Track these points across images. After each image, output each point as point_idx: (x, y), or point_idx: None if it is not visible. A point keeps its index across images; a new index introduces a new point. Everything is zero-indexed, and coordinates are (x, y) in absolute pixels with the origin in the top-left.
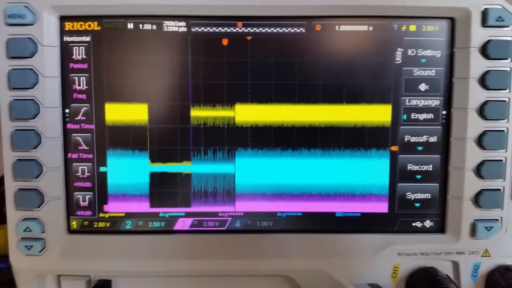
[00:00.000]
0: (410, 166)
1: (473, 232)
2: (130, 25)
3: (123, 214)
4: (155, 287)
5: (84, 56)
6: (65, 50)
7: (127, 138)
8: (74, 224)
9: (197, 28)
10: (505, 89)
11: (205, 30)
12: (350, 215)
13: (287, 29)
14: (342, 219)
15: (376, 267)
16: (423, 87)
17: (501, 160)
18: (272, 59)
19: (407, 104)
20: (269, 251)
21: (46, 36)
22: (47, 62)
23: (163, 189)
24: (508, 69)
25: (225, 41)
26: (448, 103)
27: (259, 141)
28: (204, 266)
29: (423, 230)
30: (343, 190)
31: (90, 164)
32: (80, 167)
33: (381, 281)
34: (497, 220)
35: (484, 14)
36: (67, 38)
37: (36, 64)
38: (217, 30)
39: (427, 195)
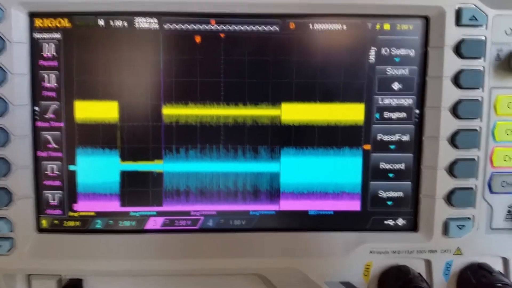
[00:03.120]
0: (383, 164)
1: (445, 230)
2: (101, 22)
3: (93, 213)
4: (126, 287)
5: (54, 53)
6: (35, 47)
7: (97, 136)
8: (44, 223)
9: (169, 25)
10: (478, 88)
11: (177, 27)
12: (323, 213)
13: (260, 26)
14: (315, 217)
15: (348, 265)
16: (396, 86)
17: (474, 159)
18: (246, 57)
19: (380, 102)
20: (242, 250)
21: (14, 32)
22: (16, 59)
23: (134, 188)
24: (482, 68)
25: (197, 38)
26: (421, 102)
27: (230, 140)
28: (176, 266)
29: (396, 228)
30: (316, 189)
31: (60, 162)
32: (49, 166)
33: (353, 279)
34: (469, 218)
35: (458, 13)
36: (36, 35)
37: (4, 61)
38: (189, 27)
39: (399, 194)
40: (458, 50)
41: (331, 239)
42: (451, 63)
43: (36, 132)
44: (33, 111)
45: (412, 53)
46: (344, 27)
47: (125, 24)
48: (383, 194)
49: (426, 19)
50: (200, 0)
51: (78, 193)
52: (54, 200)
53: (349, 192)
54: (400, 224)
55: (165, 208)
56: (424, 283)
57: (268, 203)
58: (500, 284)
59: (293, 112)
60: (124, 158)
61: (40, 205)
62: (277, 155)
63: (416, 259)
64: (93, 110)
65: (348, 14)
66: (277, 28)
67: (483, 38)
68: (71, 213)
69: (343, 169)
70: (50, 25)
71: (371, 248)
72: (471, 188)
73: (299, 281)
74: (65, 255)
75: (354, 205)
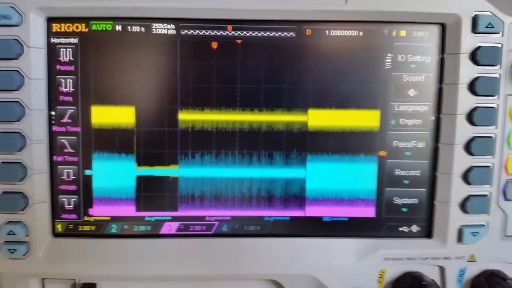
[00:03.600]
0: (398, 171)
1: (459, 237)
2: (118, 27)
3: (109, 218)
4: None
5: (71, 58)
6: (52, 52)
7: (113, 141)
8: (59, 227)
9: (186, 31)
10: (494, 96)
11: (195, 33)
12: (337, 220)
13: (277, 33)
14: (330, 223)
15: (362, 271)
16: (412, 92)
17: (489, 166)
18: (262, 63)
19: (396, 109)
20: (256, 255)
21: (32, 37)
22: (33, 64)
23: (150, 193)
24: (497, 75)
25: (214, 45)
26: (437, 108)
27: (246, 145)
28: (191, 271)
29: (410, 235)
30: (331, 195)
31: (76, 167)
32: (65, 170)
33: (367, 285)
34: (483, 225)
35: (474, 20)
36: (54, 40)
37: (22, 66)
38: (206, 33)
39: (414, 200)
40: (474, 57)
41: (345, 246)
42: (467, 70)
43: (52, 136)
44: (50, 115)
45: (428, 60)
46: (360, 33)
47: (142, 29)
48: (398, 200)
49: (443, 26)
50: (217, 6)
51: (94, 198)
52: (69, 204)
53: (364, 198)
54: (414, 230)
55: (180, 213)
56: None
57: (282, 209)
58: None
59: (309, 118)
60: (140, 163)
61: (56, 210)
62: (292, 161)
63: (430, 266)
64: (109, 115)
65: (364, 20)
66: (293, 34)
67: (500, 45)
68: (86, 218)
69: (358, 176)
70: (67, 30)
71: (386, 255)
72: (486, 195)
73: (312, 287)
74: (80, 260)
75: (369, 212)
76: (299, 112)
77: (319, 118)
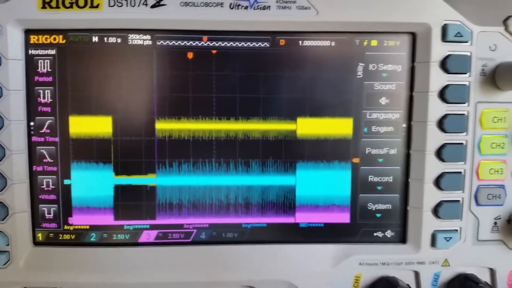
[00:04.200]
0: (371, 177)
1: (433, 242)
2: (95, 38)
3: (88, 227)
4: None
5: (49, 69)
6: (30, 63)
7: (91, 150)
8: (39, 236)
9: (162, 42)
10: (464, 103)
11: (170, 43)
12: (313, 226)
13: (251, 43)
14: (306, 229)
15: (338, 276)
16: (383, 100)
17: (460, 172)
18: (237, 73)
19: (368, 117)
20: (234, 262)
21: (10, 49)
22: (12, 76)
23: (128, 201)
24: (467, 83)
25: (190, 55)
26: (408, 116)
27: (222, 154)
28: (169, 278)
29: (384, 240)
30: (306, 201)
31: (55, 176)
32: (44, 180)
33: None
34: (456, 230)
35: (444, 29)
36: (32, 51)
37: (0, 77)
38: (182, 44)
39: (387, 206)
40: (444, 65)
41: (321, 251)
42: (437, 78)
43: (31, 147)
44: (29, 126)
45: (399, 68)
46: (333, 43)
47: (119, 40)
48: (372, 206)
49: (413, 35)
50: (192, 18)
51: (73, 207)
52: (49, 213)
53: (339, 204)
54: (388, 236)
55: (158, 221)
56: None
57: (259, 216)
58: None
59: (284, 127)
60: (117, 172)
61: (36, 219)
62: (269, 169)
63: (405, 271)
64: (87, 125)
65: (337, 31)
66: (267, 45)
67: (469, 53)
68: (66, 227)
69: (333, 182)
70: (45, 41)
71: (361, 260)
72: (458, 201)
73: None
74: (61, 268)
75: (344, 218)
76: (274, 120)
77: (294, 127)
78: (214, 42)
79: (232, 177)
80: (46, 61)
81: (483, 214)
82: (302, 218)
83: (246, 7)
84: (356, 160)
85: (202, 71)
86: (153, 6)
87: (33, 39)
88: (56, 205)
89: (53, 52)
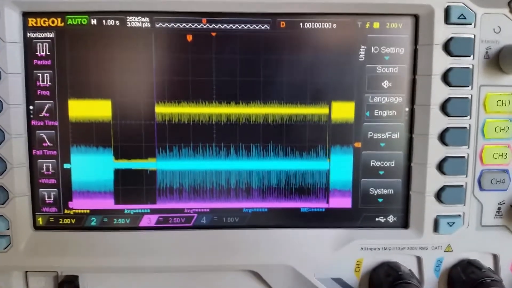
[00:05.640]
0: (373, 162)
1: (436, 227)
2: (94, 21)
3: (88, 211)
4: (122, 283)
5: (47, 53)
6: (29, 47)
7: (91, 134)
8: (40, 220)
9: (161, 24)
10: (468, 86)
11: (169, 26)
12: (314, 211)
13: (251, 25)
14: (307, 214)
15: (339, 261)
16: (386, 84)
17: (463, 157)
18: (237, 56)
19: (370, 101)
20: (234, 246)
21: (8, 32)
22: (10, 59)
23: (128, 186)
24: (471, 66)
25: (189, 37)
26: (411, 100)
27: (224, 138)
28: (170, 262)
29: (386, 225)
30: (308, 186)
31: (55, 161)
32: (44, 164)
33: (344, 275)
34: (459, 216)
35: (447, 11)
36: (30, 34)
37: None
38: (181, 26)
39: (390, 191)
40: (447, 48)
41: (322, 236)
42: (440, 61)
43: (31, 131)
44: (28, 110)
45: (401, 51)
46: (334, 25)
47: (117, 23)
48: (373, 191)
49: (416, 18)
50: None
51: (73, 191)
52: (49, 198)
53: (340, 189)
54: (390, 221)
55: (159, 205)
56: (414, 279)
57: (261, 201)
58: (488, 280)
59: (286, 111)
60: (117, 156)
61: (36, 203)
62: (270, 154)
63: (407, 256)
64: (86, 109)
65: (338, 13)
66: (267, 27)
67: (472, 36)
68: (66, 211)
69: (334, 167)
70: (43, 24)
71: (362, 245)
72: (461, 186)
73: (291, 278)
74: (61, 252)
75: (346, 203)
76: (275, 104)
77: (295, 111)
78: (213, 25)
79: (232, 161)
80: (44, 44)
81: (487, 199)
82: (303, 202)
83: None
84: (358, 144)
85: (201, 54)
86: None
87: (31, 22)
88: (56, 189)
89: (51, 35)
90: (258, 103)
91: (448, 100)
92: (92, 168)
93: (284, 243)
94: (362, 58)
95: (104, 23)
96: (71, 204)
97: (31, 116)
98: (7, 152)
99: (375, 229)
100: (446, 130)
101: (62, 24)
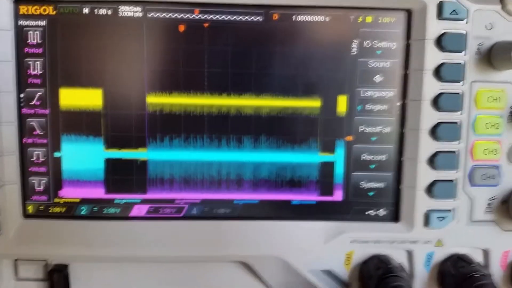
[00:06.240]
0: (365, 156)
1: (426, 222)
2: (86, 10)
3: (78, 200)
4: (111, 272)
5: (39, 41)
6: (20, 34)
7: (81, 123)
8: (29, 208)
9: (153, 14)
10: (459, 82)
11: (161, 16)
12: (305, 203)
13: (244, 17)
14: (298, 206)
15: (329, 254)
16: (377, 78)
17: (454, 152)
18: (229, 47)
19: (362, 95)
20: (225, 237)
21: None
22: (1, 47)
23: (118, 175)
24: (462, 62)
25: (181, 28)
26: (402, 94)
27: (215, 129)
28: (160, 253)
29: (377, 219)
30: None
31: (45, 149)
32: (35, 152)
33: (335, 268)
34: (449, 210)
35: (440, 6)
36: (21, 22)
37: None
38: (173, 16)
39: (380, 185)
40: (439, 43)
41: (312, 228)
42: (433, 56)
43: (21, 119)
44: (19, 98)
45: (393, 46)
46: (327, 19)
47: (109, 12)
48: (364, 185)
49: (408, 12)
50: None
51: (64, 180)
52: (39, 186)
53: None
54: (381, 215)
55: (149, 196)
56: (404, 273)
57: (252, 192)
58: (478, 275)
59: (277, 103)
60: (108, 145)
61: (26, 191)
62: (261, 146)
63: (397, 250)
64: (77, 98)
65: (331, 6)
66: (260, 19)
67: (464, 32)
68: (56, 200)
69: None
70: (34, 12)
71: (353, 238)
72: (452, 181)
73: (281, 269)
74: (51, 241)
75: (336, 195)
76: (267, 96)
77: (286, 103)
78: (206, 15)
79: (224, 153)
80: (36, 32)
81: (477, 195)
82: (294, 195)
83: None
84: (349, 138)
85: (193, 45)
86: None
87: (23, 9)
88: (46, 178)
89: (43, 23)
90: (250, 95)
91: (439, 95)
92: (83, 157)
93: (274, 235)
94: (354, 52)
95: (96, 12)
96: (61, 193)
97: (22, 104)
98: None
99: (365, 222)
100: (437, 125)
101: (54, 12)
